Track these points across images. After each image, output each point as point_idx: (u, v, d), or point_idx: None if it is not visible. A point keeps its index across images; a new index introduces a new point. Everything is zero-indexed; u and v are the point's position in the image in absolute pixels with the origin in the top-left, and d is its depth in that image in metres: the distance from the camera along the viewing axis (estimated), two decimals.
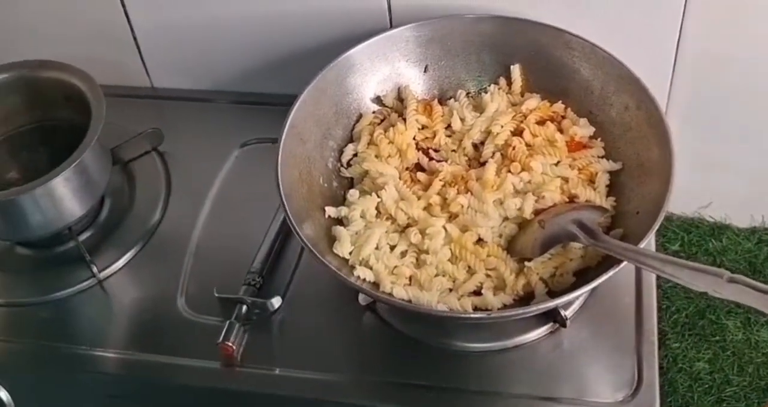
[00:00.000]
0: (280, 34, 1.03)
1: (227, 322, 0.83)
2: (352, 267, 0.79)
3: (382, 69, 0.92)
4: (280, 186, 0.78)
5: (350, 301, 0.85)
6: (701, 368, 1.02)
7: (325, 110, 0.88)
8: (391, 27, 0.95)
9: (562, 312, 0.81)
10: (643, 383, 0.80)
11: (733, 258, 1.15)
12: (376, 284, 0.78)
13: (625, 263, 0.72)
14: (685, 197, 1.20)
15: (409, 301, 0.76)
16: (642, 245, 0.73)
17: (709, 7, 0.91)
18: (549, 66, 0.91)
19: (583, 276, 0.79)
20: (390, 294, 0.76)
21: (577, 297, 0.82)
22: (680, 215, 1.20)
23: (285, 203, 0.77)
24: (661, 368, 0.99)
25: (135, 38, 1.06)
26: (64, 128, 0.94)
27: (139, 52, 1.08)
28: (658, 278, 0.89)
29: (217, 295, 0.86)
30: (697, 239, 1.17)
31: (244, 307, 0.85)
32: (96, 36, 1.06)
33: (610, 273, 0.72)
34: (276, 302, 0.85)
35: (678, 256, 1.14)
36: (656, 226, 0.74)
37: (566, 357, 0.83)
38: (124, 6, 1.03)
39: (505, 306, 0.76)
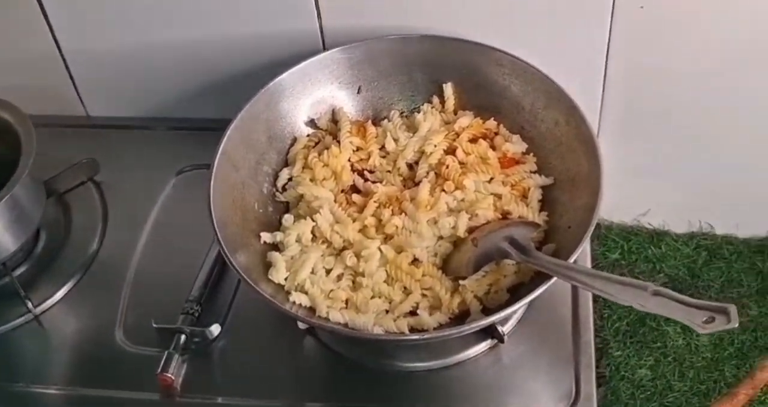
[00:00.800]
0: (213, 58, 1.03)
1: (166, 352, 0.83)
2: (288, 293, 0.79)
3: (315, 92, 0.92)
4: (213, 215, 0.78)
5: (290, 326, 0.85)
6: (643, 375, 1.04)
7: (258, 136, 0.88)
8: (324, 49, 0.96)
9: (500, 328, 0.82)
10: (581, 396, 0.81)
11: (672, 264, 1.17)
12: (312, 309, 0.78)
13: (555, 278, 0.73)
14: (624, 206, 1.22)
15: (346, 325, 0.76)
16: (572, 260, 0.74)
17: (635, 22, 0.93)
18: (480, 83, 0.92)
19: (518, 291, 0.80)
20: (326, 319, 0.76)
21: (511, 313, 0.83)
22: (619, 223, 1.22)
23: (218, 232, 0.76)
24: (603, 377, 1.01)
25: (67, 67, 1.05)
26: None
27: (72, 80, 1.07)
28: None
29: (155, 325, 0.85)
30: (637, 246, 1.19)
31: (183, 336, 0.84)
32: (26, 64, 1.05)
33: (542, 288, 0.72)
34: (215, 329, 0.85)
35: (618, 264, 1.17)
36: (585, 241, 0.75)
37: (506, 372, 0.84)
38: (53, 33, 1.02)
39: (441, 325, 0.77)
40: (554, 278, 0.73)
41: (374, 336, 0.74)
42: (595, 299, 0.92)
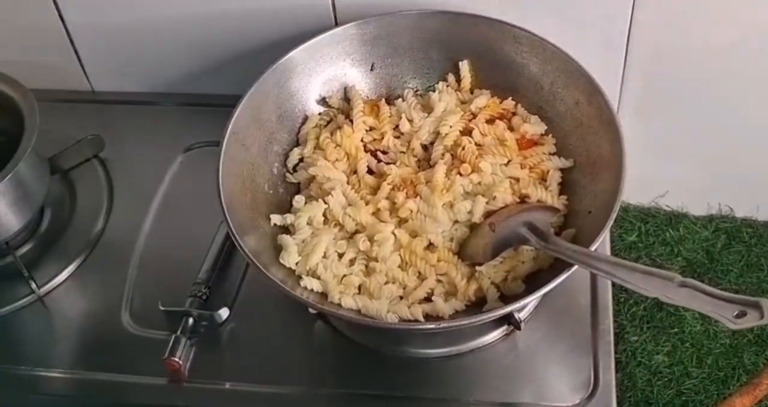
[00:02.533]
0: (222, 34, 1.00)
1: (173, 336, 0.81)
2: (299, 277, 0.76)
3: (327, 69, 0.89)
4: (222, 197, 0.75)
5: (300, 310, 0.83)
6: (660, 361, 1.02)
7: (268, 114, 0.86)
8: (337, 24, 0.93)
9: (516, 315, 0.80)
10: (600, 384, 0.79)
11: (690, 247, 1.14)
12: (324, 295, 0.76)
13: (576, 266, 0.70)
14: (642, 187, 1.20)
15: (359, 311, 0.74)
16: (593, 247, 0.71)
17: None
18: (498, 62, 0.88)
19: (536, 278, 0.78)
20: (339, 305, 0.74)
21: (529, 302, 0.80)
22: (636, 205, 1.20)
23: (227, 214, 0.74)
24: (619, 362, 0.99)
25: (71, 41, 1.02)
26: None
27: (77, 55, 1.04)
28: None
29: (162, 308, 0.83)
30: (654, 228, 1.16)
31: (191, 320, 0.82)
32: (29, 39, 1.02)
33: (562, 277, 0.70)
34: (223, 313, 0.83)
35: (635, 246, 1.14)
36: (608, 228, 0.72)
37: (522, 360, 0.81)
38: (57, 7, 0.99)
39: (456, 312, 0.75)
40: (574, 267, 0.71)
41: (388, 325, 0.72)
42: (613, 283, 0.89)
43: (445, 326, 0.70)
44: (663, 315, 1.06)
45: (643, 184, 1.18)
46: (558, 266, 0.74)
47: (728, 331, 1.04)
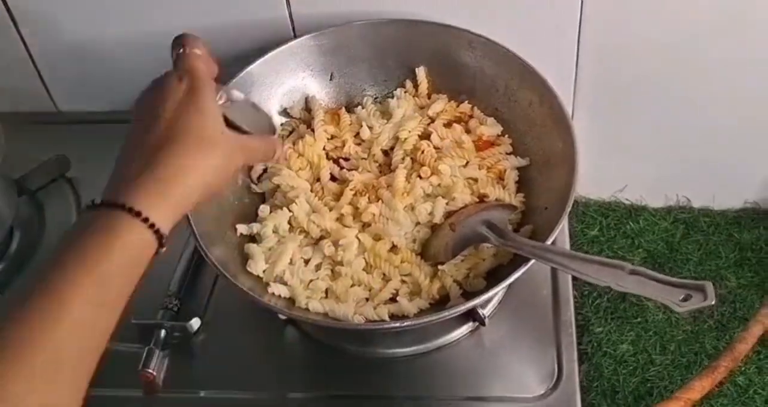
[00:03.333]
0: None
1: (146, 348, 0.82)
2: (267, 284, 0.78)
3: (287, 81, 0.91)
4: (189, 214, 0.77)
5: (270, 316, 0.85)
6: (625, 350, 1.04)
7: None
8: (295, 36, 0.95)
9: (480, 311, 0.82)
10: (564, 374, 0.81)
11: (650, 239, 1.17)
12: (292, 300, 0.78)
13: (534, 260, 0.73)
14: (601, 182, 1.22)
15: (326, 314, 0.76)
16: (549, 241, 0.74)
17: None
18: (453, 66, 0.91)
19: (497, 274, 0.80)
20: (306, 309, 0.76)
21: (492, 296, 0.83)
22: (597, 199, 1.22)
23: (194, 227, 0.76)
24: (585, 353, 1.01)
25: (34, 62, 1.04)
26: None
27: (40, 76, 1.05)
28: None
29: (134, 321, 0.84)
30: (615, 222, 1.19)
31: (163, 331, 0.84)
32: None
33: (521, 271, 0.72)
34: (195, 323, 0.85)
35: (597, 240, 1.17)
36: (562, 222, 0.75)
37: (489, 354, 0.84)
38: (18, 29, 1.00)
39: (421, 311, 0.77)
40: (532, 261, 0.73)
41: (354, 326, 0.74)
42: (575, 277, 0.92)
43: (409, 324, 0.72)
44: (626, 305, 1.08)
45: (602, 179, 1.21)
46: (517, 261, 0.76)
47: (689, 318, 1.07)
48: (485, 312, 0.83)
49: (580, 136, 0.80)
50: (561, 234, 0.92)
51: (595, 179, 1.19)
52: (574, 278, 0.89)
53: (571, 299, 0.87)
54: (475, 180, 0.84)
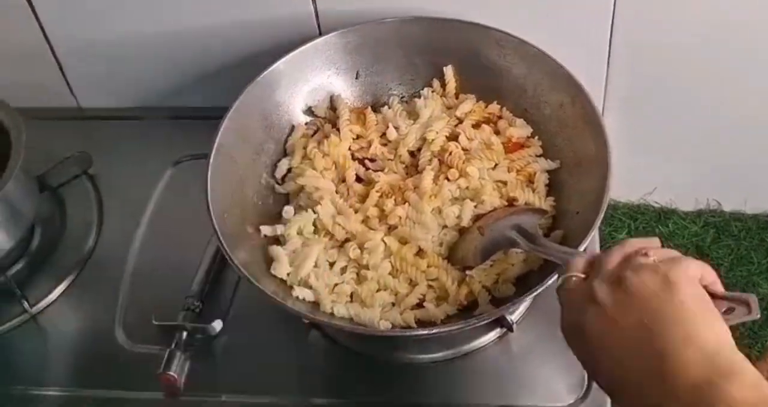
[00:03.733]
0: (207, 46, 1.00)
1: (167, 351, 0.81)
2: (291, 287, 0.77)
3: (312, 79, 0.89)
4: (211, 211, 0.75)
5: (294, 319, 0.83)
6: None
7: (255, 126, 0.86)
8: (320, 34, 0.93)
9: (508, 317, 0.80)
10: (593, 383, 0.79)
11: (680, 243, 1.15)
12: (316, 304, 0.76)
13: None
14: (630, 185, 1.20)
15: (351, 319, 0.74)
16: (582, 247, 0.72)
17: None
18: (482, 66, 0.89)
19: (526, 279, 0.78)
20: (331, 314, 0.74)
21: (520, 304, 0.81)
22: (626, 202, 1.20)
23: (217, 229, 0.74)
24: None
25: (56, 58, 1.03)
26: None
27: (62, 71, 1.04)
28: None
29: (155, 322, 0.83)
30: (644, 225, 1.17)
31: (185, 333, 0.83)
32: (14, 58, 1.02)
33: (552, 279, 0.70)
34: (217, 325, 0.83)
35: None
36: (596, 227, 0.73)
37: (516, 361, 0.82)
38: (41, 26, 0.99)
39: (448, 317, 0.75)
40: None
41: (381, 332, 0.72)
42: None
43: (437, 331, 0.70)
44: None
45: (632, 182, 1.19)
46: (548, 267, 0.74)
47: None
48: (513, 318, 0.81)
49: (610, 137, 0.78)
50: (591, 239, 0.89)
51: (624, 182, 1.17)
52: None
53: None
54: (504, 183, 0.82)
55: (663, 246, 1.14)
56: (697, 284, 0.53)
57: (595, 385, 0.79)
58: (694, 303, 0.52)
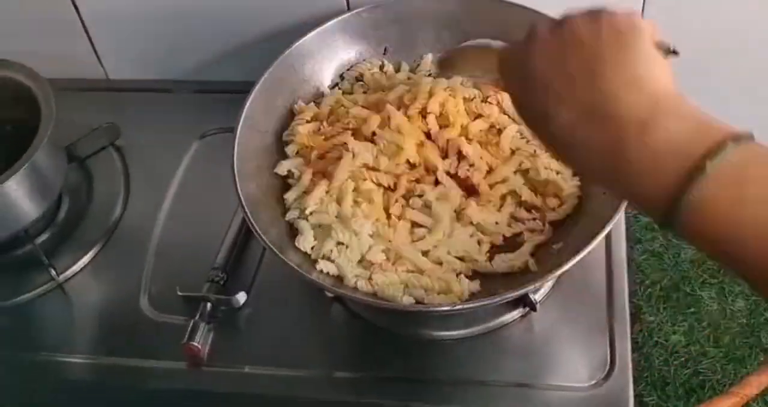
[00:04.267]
0: (235, 20, 1.00)
1: (191, 322, 0.82)
2: (315, 261, 0.77)
3: (339, 53, 0.89)
4: (237, 183, 0.75)
5: (317, 293, 0.83)
6: (677, 341, 1.02)
7: (282, 100, 0.86)
8: (349, 9, 0.93)
9: (532, 296, 0.80)
10: (616, 365, 0.79)
11: None
12: (340, 278, 0.76)
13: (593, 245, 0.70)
14: None
15: (375, 294, 0.74)
16: (607, 229, 0.71)
17: None
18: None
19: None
20: (355, 288, 0.74)
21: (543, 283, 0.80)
22: None
23: (242, 199, 0.74)
24: (636, 342, 0.99)
25: (86, 29, 1.03)
26: (15, 129, 0.91)
27: (91, 42, 1.04)
28: (631, 250, 0.87)
29: (180, 293, 0.84)
30: None
31: (209, 304, 0.83)
32: (44, 29, 1.02)
33: (577, 258, 0.70)
34: (241, 298, 0.83)
35: (651, 226, 1.14)
36: (621, 209, 0.72)
37: (538, 341, 0.82)
38: None
39: (472, 294, 0.75)
40: (588, 248, 0.70)
41: (403, 307, 0.72)
42: (629, 263, 0.89)
43: (459, 308, 0.70)
44: (679, 295, 1.06)
45: None
46: (573, 246, 0.73)
47: (745, 310, 1.04)
48: (537, 297, 0.81)
49: None
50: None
51: None
52: (631, 261, 0.86)
53: (626, 287, 0.83)
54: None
55: None
56: (647, 36, 0.51)
57: (617, 367, 0.78)
58: (645, 50, 0.50)
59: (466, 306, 0.70)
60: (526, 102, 0.55)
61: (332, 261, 0.76)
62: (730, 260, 0.46)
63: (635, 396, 0.82)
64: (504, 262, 0.76)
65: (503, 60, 0.58)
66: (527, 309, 0.82)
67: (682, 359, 1.00)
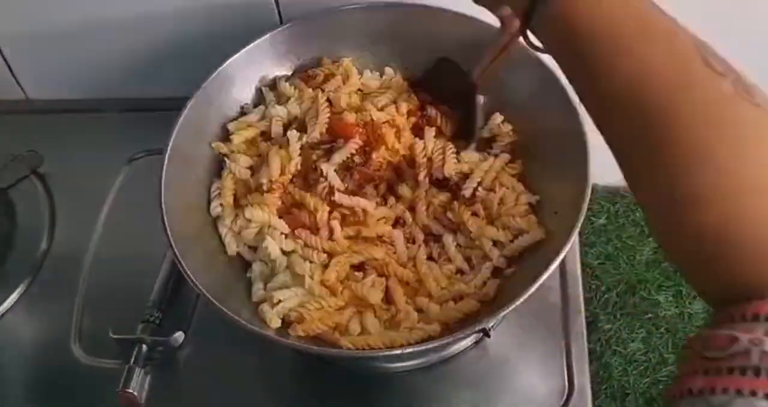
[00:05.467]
0: (161, 33, 0.94)
1: (126, 367, 0.77)
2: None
3: (273, 71, 0.84)
4: (168, 232, 0.70)
5: None
6: (635, 348, 0.99)
7: (213, 125, 0.80)
8: (281, 22, 0.87)
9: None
10: (575, 390, 0.76)
11: None
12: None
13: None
14: (609, 165, 1.16)
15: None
16: (562, 254, 0.67)
17: None
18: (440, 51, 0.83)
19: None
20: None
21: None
22: (605, 185, 1.16)
23: (175, 249, 0.68)
24: (593, 353, 0.96)
25: None
26: None
27: (6, 62, 0.97)
28: (584, 255, 0.84)
29: (113, 336, 0.78)
30: (624, 209, 1.13)
31: (144, 347, 0.78)
32: None
33: (529, 292, 0.66)
34: (179, 338, 0.78)
35: (605, 229, 1.11)
36: (575, 232, 0.68)
37: (494, 368, 0.79)
38: None
39: None
40: (539, 282, 0.66)
41: (349, 354, 0.67)
42: (583, 270, 0.86)
43: (410, 351, 0.66)
44: (636, 300, 1.03)
45: (611, 163, 1.14)
46: (518, 280, 0.70)
47: (702, 312, 1.02)
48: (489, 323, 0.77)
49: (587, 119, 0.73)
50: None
51: (603, 163, 1.12)
52: (586, 267, 0.83)
53: (582, 306, 0.81)
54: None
55: (643, 231, 1.11)
56: None
57: (576, 392, 0.76)
58: None
59: (415, 349, 0.66)
60: None
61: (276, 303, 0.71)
62: (579, 58, 0.48)
63: None
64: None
65: None
66: (480, 335, 0.79)
67: (642, 367, 0.98)
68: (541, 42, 0.53)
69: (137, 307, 0.81)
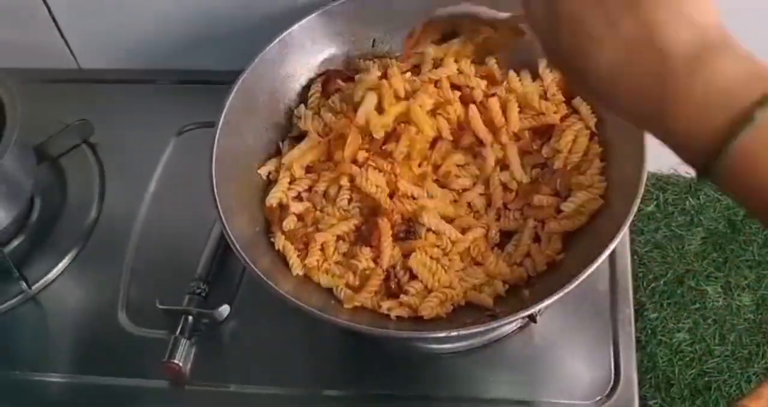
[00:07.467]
0: (216, 6, 0.93)
1: (172, 337, 0.77)
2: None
3: (326, 48, 0.83)
4: (218, 203, 0.70)
5: None
6: (681, 339, 0.98)
7: (264, 98, 0.80)
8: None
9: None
10: (621, 380, 0.75)
11: (711, 216, 1.09)
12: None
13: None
14: (659, 153, 1.14)
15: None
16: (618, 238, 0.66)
17: None
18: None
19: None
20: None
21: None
22: (655, 172, 1.14)
23: (225, 223, 0.69)
24: (639, 342, 0.95)
25: (52, 16, 0.96)
26: None
27: (59, 30, 0.97)
28: (633, 243, 0.83)
29: (160, 306, 0.79)
30: (674, 197, 1.11)
31: (190, 318, 0.78)
32: (7, 16, 0.95)
33: (581, 278, 0.65)
34: (224, 311, 0.79)
35: (654, 217, 1.09)
36: (629, 217, 0.67)
37: (538, 354, 0.78)
38: None
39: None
40: (594, 265, 0.65)
41: (398, 334, 0.67)
42: (631, 256, 0.84)
43: (455, 334, 0.65)
44: (683, 290, 1.02)
45: (661, 150, 1.12)
46: (573, 264, 0.69)
47: (752, 305, 1.00)
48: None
49: None
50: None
51: (653, 150, 1.10)
52: (634, 254, 0.81)
53: (631, 293, 0.79)
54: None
55: (693, 220, 1.09)
56: None
57: (622, 382, 0.74)
58: None
59: (462, 332, 0.66)
60: (556, 45, 0.48)
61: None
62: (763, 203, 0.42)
63: (639, 398, 0.78)
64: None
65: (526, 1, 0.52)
66: (526, 320, 0.78)
67: (687, 358, 0.96)
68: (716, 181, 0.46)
69: (184, 278, 0.81)
